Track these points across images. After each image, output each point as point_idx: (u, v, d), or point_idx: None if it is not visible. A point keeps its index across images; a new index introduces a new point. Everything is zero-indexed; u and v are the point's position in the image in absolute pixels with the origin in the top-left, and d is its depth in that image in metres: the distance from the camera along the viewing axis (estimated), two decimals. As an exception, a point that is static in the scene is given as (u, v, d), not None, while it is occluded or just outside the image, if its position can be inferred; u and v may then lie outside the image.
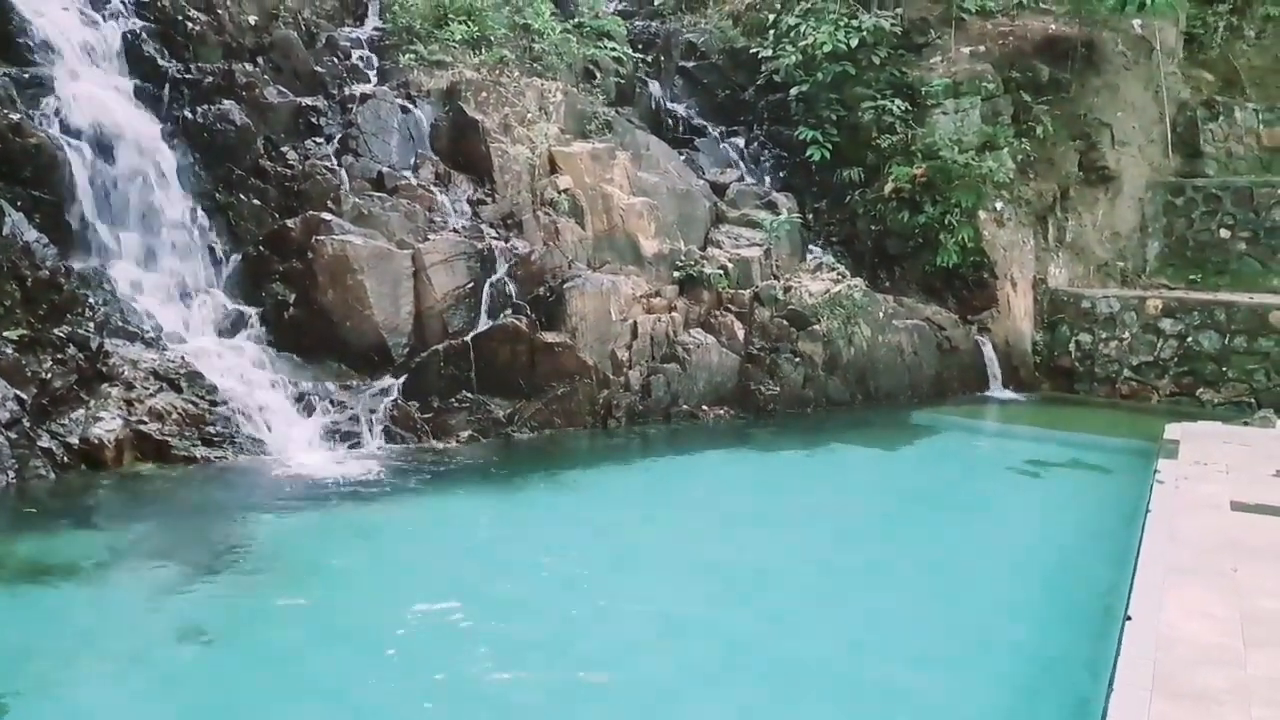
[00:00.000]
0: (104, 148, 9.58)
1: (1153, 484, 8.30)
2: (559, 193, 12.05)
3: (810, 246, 14.94)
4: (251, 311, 10.06)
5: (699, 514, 8.64)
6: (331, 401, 9.66)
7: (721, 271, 12.81)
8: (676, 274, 12.61)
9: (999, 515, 8.99)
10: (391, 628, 5.79)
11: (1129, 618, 5.33)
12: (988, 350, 14.85)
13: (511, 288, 11.09)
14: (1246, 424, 11.88)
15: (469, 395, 10.46)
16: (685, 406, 11.86)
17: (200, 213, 10.17)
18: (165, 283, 9.75)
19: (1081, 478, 10.25)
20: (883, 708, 5.10)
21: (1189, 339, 14.25)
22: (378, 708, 4.80)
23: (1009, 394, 14.66)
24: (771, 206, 14.42)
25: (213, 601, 6.03)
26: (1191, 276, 15.66)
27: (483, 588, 6.52)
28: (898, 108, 14.76)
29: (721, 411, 12.11)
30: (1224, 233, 15.80)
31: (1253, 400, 13.48)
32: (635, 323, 11.69)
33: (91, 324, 8.57)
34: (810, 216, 15.13)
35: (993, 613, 6.42)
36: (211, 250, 10.17)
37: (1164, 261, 16.20)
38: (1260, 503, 7.73)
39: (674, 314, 12.23)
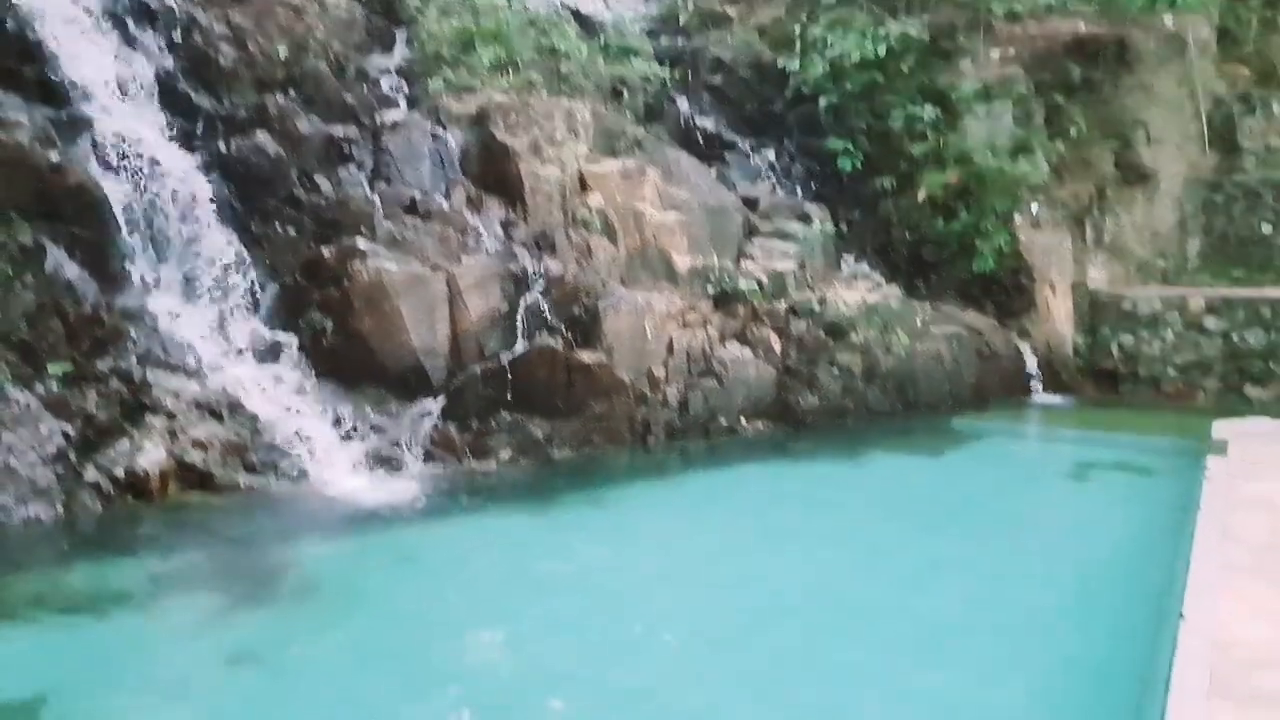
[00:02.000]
0: (141, 184, 9.77)
1: (1202, 483, 8.14)
2: (590, 212, 12.10)
3: (844, 257, 14.86)
4: (290, 340, 10.17)
5: (741, 528, 8.59)
6: (371, 426, 9.74)
7: (756, 285, 12.77)
8: (711, 289, 12.58)
9: (1045, 520, 8.85)
10: (436, 650, 5.81)
11: (1182, 617, 5.22)
12: (1028, 355, 14.66)
13: (546, 308, 11.14)
14: (1297, 421, 11.63)
15: (507, 416, 10.49)
16: (723, 421, 11.81)
17: (237, 244, 10.32)
18: (204, 314, 9.89)
19: (1128, 480, 10.07)
20: (931, 715, 5.01)
21: (1234, 336, 13.98)
22: (423, 728, 4.81)
23: (1051, 398, 14.45)
24: (804, 218, 14.37)
25: (259, 628, 6.09)
26: (1235, 273, 15.38)
27: (526, 608, 6.52)
28: (929, 114, 14.66)
29: (760, 425, 12.05)
30: (1266, 228, 15.53)
31: (1302, 396, 13.21)
32: (671, 339, 11.68)
33: (134, 357, 8.72)
34: (844, 227, 15.05)
35: (1041, 618, 6.31)
36: (249, 281, 10.31)
37: (1205, 259, 15.94)
38: (1316, 500, 7.56)
39: (709, 329, 12.20)
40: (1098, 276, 15.46)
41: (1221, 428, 10.60)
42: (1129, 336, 14.73)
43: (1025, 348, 14.67)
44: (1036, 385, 14.57)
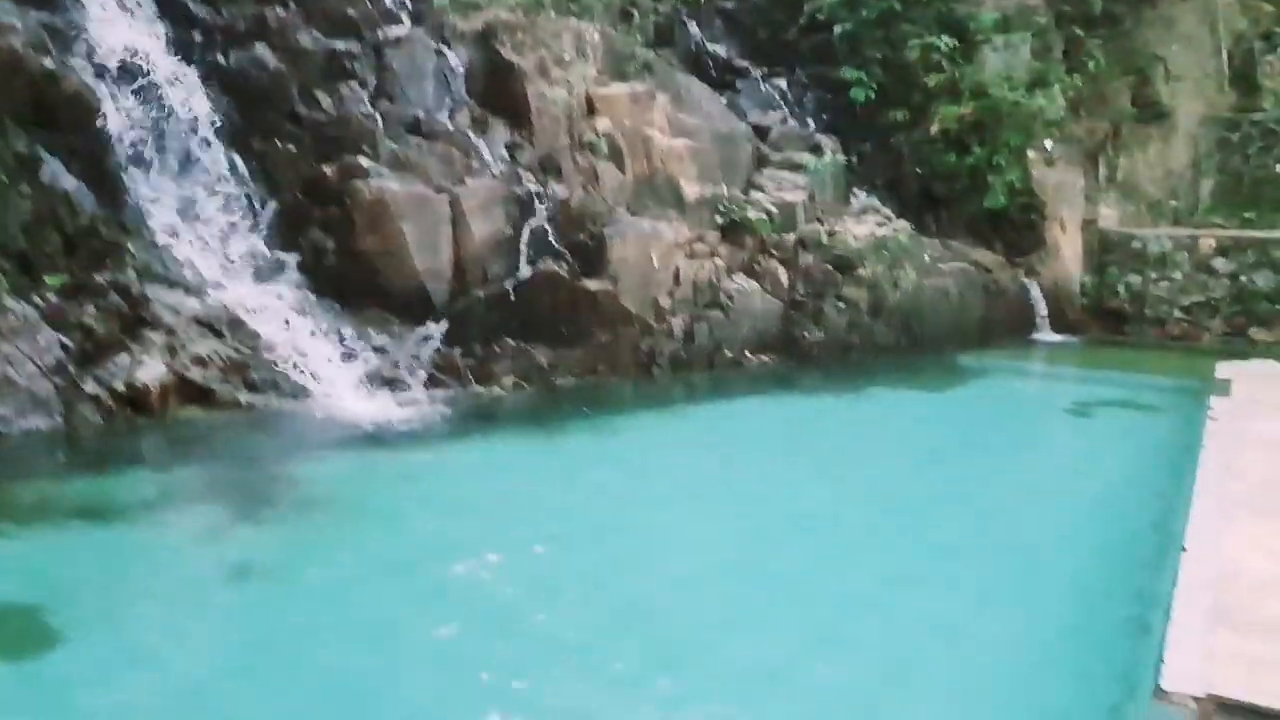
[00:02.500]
0: (139, 94, 9.54)
1: (1206, 421, 8.12)
2: (598, 136, 11.87)
3: (854, 190, 14.66)
4: (290, 259, 10.04)
5: (744, 457, 8.57)
6: (374, 348, 9.66)
7: (765, 216, 12.61)
8: (719, 219, 12.41)
9: (1048, 454, 8.85)
10: (440, 567, 5.79)
11: (1185, 549, 5.21)
12: (1035, 293, 14.58)
13: (551, 233, 10.99)
14: (1302, 363, 11.59)
15: (511, 342, 10.42)
16: (729, 353, 11.74)
17: (236, 159, 10.13)
18: (203, 230, 9.75)
19: (1132, 417, 10.05)
20: (934, 639, 5.03)
21: (1243, 278, 13.90)
22: (428, 642, 4.82)
23: (1057, 337, 14.41)
24: (815, 149, 14.14)
25: (262, 541, 6.08)
26: (1246, 214, 15.21)
27: (528, 528, 6.52)
28: (945, 45, 14.33)
29: (765, 358, 11.99)
30: (1280, 168, 15.31)
31: (1306, 338, 13.17)
32: (677, 269, 11.56)
33: (132, 271, 8.60)
34: (854, 159, 14.82)
35: (1043, 548, 6.32)
36: (248, 197, 10.13)
37: (1217, 200, 15.75)
38: (1320, 439, 7.53)
39: (717, 260, 12.07)
40: (1108, 215, 15.30)
41: (1225, 368, 10.58)
42: (1137, 276, 14.63)
43: (1033, 286, 14.57)
44: (1042, 324, 14.51)
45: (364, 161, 10.23)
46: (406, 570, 5.69)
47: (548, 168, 11.51)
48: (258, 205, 10.23)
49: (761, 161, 13.88)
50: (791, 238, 12.63)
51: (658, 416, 9.80)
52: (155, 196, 9.59)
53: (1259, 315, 13.68)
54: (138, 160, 9.55)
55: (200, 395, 8.34)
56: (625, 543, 6.28)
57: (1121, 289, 14.67)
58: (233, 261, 9.78)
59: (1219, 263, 14.03)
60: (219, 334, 8.73)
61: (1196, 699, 3.61)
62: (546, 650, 4.76)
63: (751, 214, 12.47)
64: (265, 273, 9.92)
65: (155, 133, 9.70)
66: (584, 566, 5.83)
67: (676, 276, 11.51)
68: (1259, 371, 10.56)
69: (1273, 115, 15.49)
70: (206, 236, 9.77)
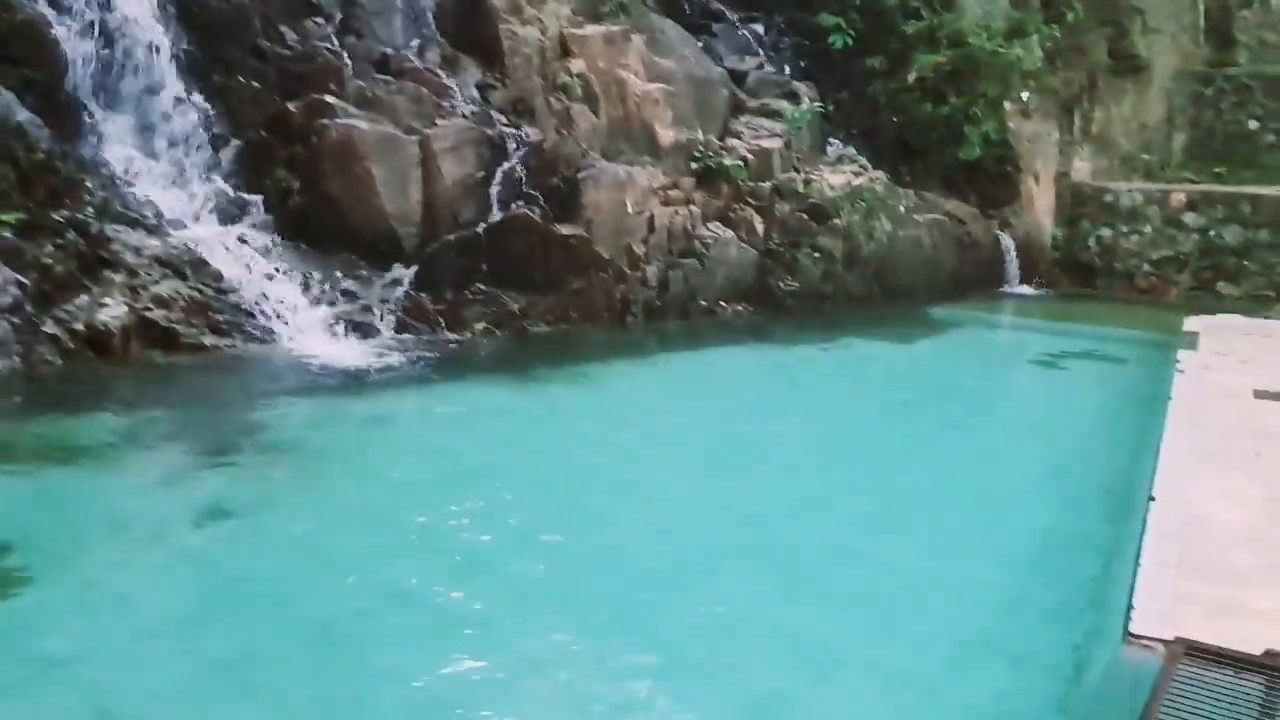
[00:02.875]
0: (95, 26, 9.19)
1: (1174, 374, 8.20)
2: (571, 78, 11.63)
3: (830, 139, 14.52)
4: (254, 199, 9.80)
5: (718, 406, 8.56)
6: (342, 291, 9.49)
7: (741, 163, 12.46)
8: (694, 165, 12.25)
9: (1018, 404, 8.92)
10: (412, 511, 5.74)
11: (1153, 498, 5.27)
12: (1008, 245, 14.61)
13: (524, 177, 10.80)
14: (1266, 316, 11.74)
15: (482, 288, 10.28)
16: (703, 302, 11.67)
17: (197, 95, 9.83)
18: (164, 168, 9.48)
19: (1101, 369, 10.14)
20: (903, 584, 5.06)
21: (1211, 233, 13.99)
22: (400, 587, 4.77)
23: (1027, 290, 14.48)
24: (792, 96, 13.96)
25: (231, 484, 5.98)
26: (1217, 169, 15.29)
27: (501, 474, 6.47)
28: (924, -10, 14.15)
29: (740, 307, 11.94)
30: (1253, 124, 15.37)
31: (1272, 293, 13.32)
32: (652, 215, 11.42)
33: (91, 209, 8.34)
34: (831, 107, 14.66)
35: (1013, 495, 6.38)
36: (210, 134, 9.85)
37: (1190, 154, 15.80)
38: (1283, 391, 7.64)
39: (692, 207, 11.94)
40: (1082, 168, 15.31)
41: (1193, 322, 10.69)
42: (1108, 230, 14.69)
43: (1005, 238, 14.59)
44: (1014, 276, 14.57)
45: (330, 99, 9.96)
46: (376, 516, 5.63)
47: (520, 109, 11.29)
48: (220, 143, 9.96)
49: (738, 108, 13.69)
50: (767, 186, 12.51)
51: (631, 365, 9.74)
52: (114, 132, 9.30)
53: (1226, 270, 13.81)
54: (95, 94, 9.24)
55: (163, 337, 8.16)
56: (598, 490, 6.25)
57: (1092, 242, 14.73)
58: (195, 201, 9.54)
59: (1189, 217, 14.11)
60: (182, 275, 8.53)
61: (1165, 642, 3.66)
62: (520, 597, 4.74)
63: (727, 161, 12.33)
64: (229, 213, 9.69)
65: (113, 66, 9.37)
66: (556, 514, 5.80)
67: (651, 223, 11.39)
68: (1226, 325, 10.68)
69: (1246, 70, 15.51)
70: (167, 174, 9.51)
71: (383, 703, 3.85)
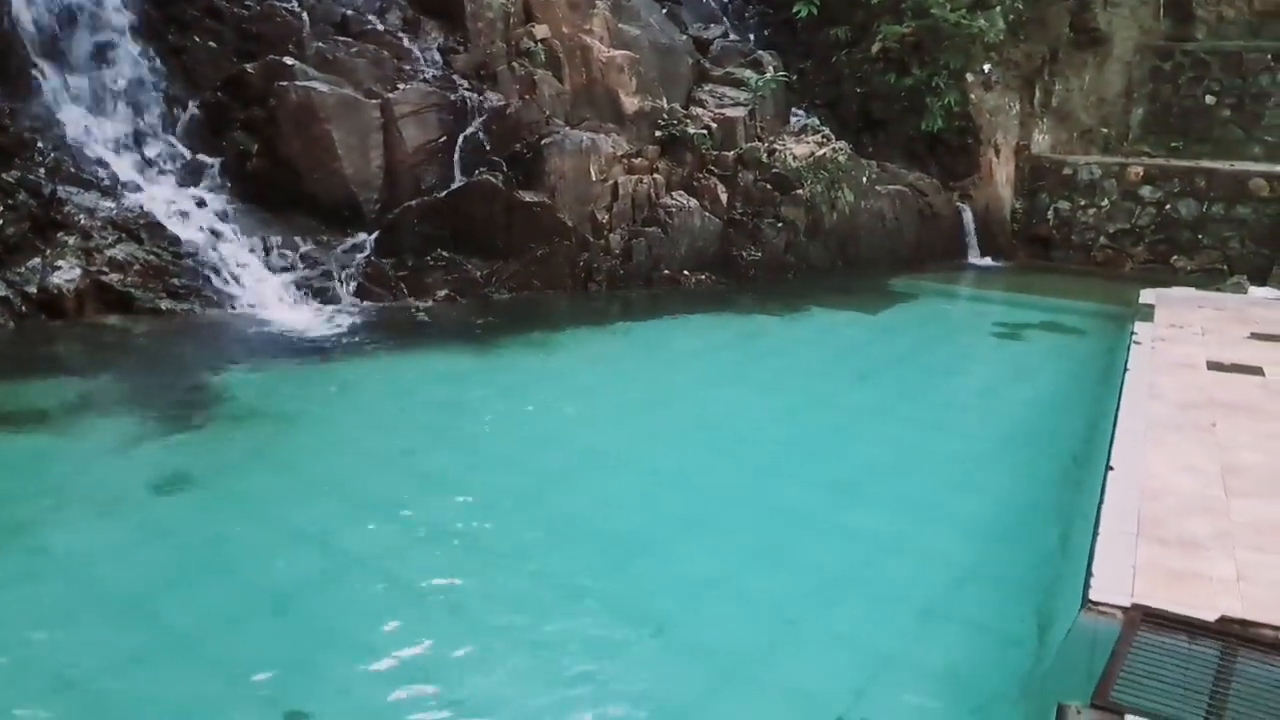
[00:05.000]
0: (46, -21, 8.92)
1: (1130, 345, 8.33)
2: (535, 43, 11.49)
3: (794, 109, 14.51)
4: (211, 161, 9.61)
5: (681, 375, 8.57)
6: (301, 256, 9.37)
7: (705, 132, 12.42)
8: (658, 133, 12.19)
9: (977, 374, 9.02)
10: (374, 477, 5.71)
11: (1111, 468, 5.36)
12: (968, 218, 14.72)
13: (486, 143, 10.68)
14: (1220, 289, 11.95)
15: (445, 254, 10.18)
16: (666, 271, 11.65)
17: (152, 55, 9.57)
18: (118, 129, 9.25)
19: (1058, 340, 10.28)
20: (865, 552, 5.12)
21: (1167, 206, 14.19)
22: (361, 554, 4.74)
23: (987, 262, 14.61)
24: (756, 65, 13.91)
25: (190, 450, 5.89)
26: (1174, 143, 15.47)
27: (463, 442, 6.45)
28: (888, -40, 14.11)
29: (703, 276, 11.93)
30: (1209, 99, 15.55)
31: (1224, 266, 13.55)
32: (616, 183, 11.36)
33: (43, 170, 8.14)
34: (795, 77, 14.63)
35: (972, 464, 6.45)
36: (166, 96, 9.62)
37: (1147, 128, 15.96)
38: (1236, 362, 7.79)
39: (656, 175, 11.88)
40: (1041, 141, 15.43)
41: (1149, 294, 10.85)
42: (1066, 203, 14.85)
43: (966, 211, 14.70)
44: (974, 248, 14.69)
45: (289, 61, 9.75)
46: (337, 483, 5.58)
47: (483, 74, 11.13)
48: (175, 104, 9.71)
49: (702, 76, 13.63)
50: (731, 155, 12.48)
51: (595, 333, 9.70)
52: (65, 92, 9.04)
53: (1181, 244, 14.03)
54: (47, 54, 8.96)
55: (119, 301, 8.01)
56: (562, 457, 6.24)
57: (1051, 215, 14.88)
58: (150, 163, 9.32)
59: (1145, 191, 14.29)
60: (137, 238, 8.35)
61: (1123, 609, 3.73)
62: (483, 565, 4.73)
63: (692, 129, 12.27)
64: (185, 175, 9.49)
65: (66, 25, 9.09)
66: (520, 480, 5.78)
67: (615, 191, 11.32)
68: (1181, 298, 10.85)
69: (1204, 45, 15.66)
70: (121, 136, 9.28)
71: (341, 671, 3.83)
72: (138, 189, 8.93)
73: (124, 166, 9.01)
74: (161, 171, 9.33)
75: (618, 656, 4.03)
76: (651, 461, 6.29)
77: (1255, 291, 12.06)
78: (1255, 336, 8.86)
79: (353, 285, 9.45)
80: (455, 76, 10.89)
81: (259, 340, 8.11)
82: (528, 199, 10.55)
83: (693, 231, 11.89)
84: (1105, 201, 14.57)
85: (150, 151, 9.37)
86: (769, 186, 12.46)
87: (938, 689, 3.94)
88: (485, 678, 3.83)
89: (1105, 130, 15.88)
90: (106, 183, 8.65)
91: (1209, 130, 15.36)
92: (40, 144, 8.35)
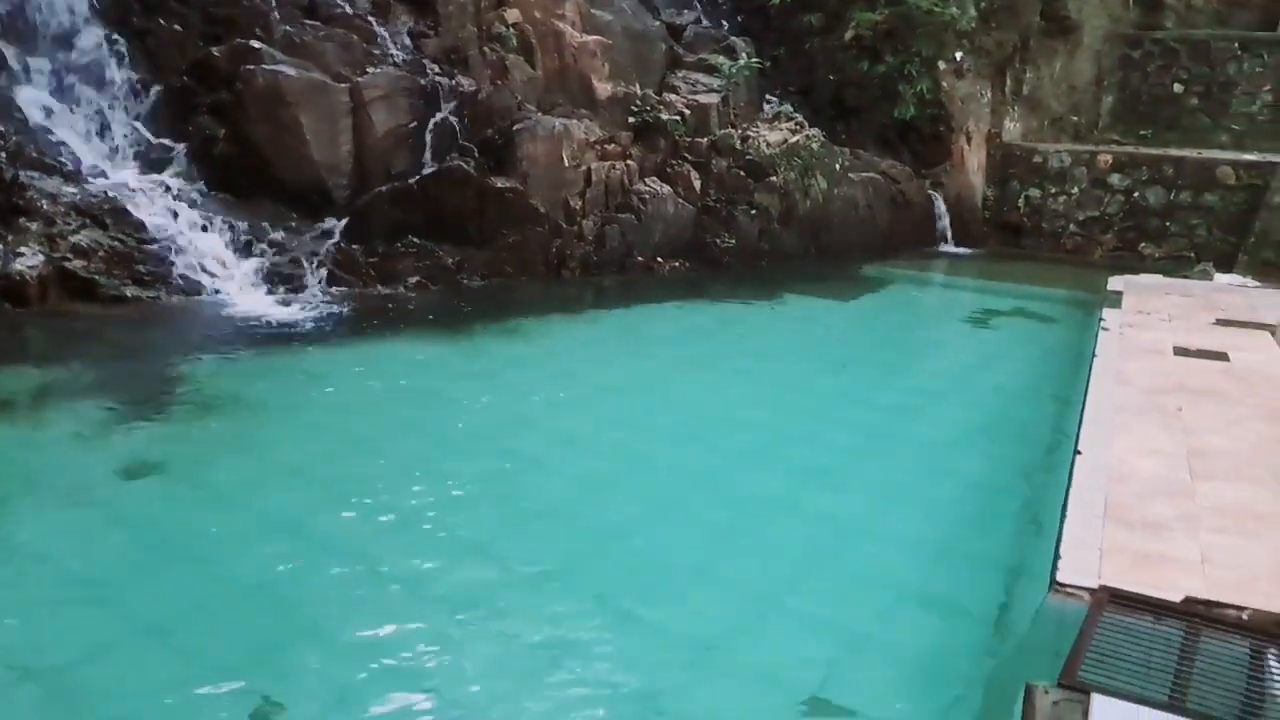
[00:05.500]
0: (6, -40, 8.74)
1: (1098, 331, 8.42)
2: (507, 28, 11.40)
3: (768, 95, 14.50)
4: (177, 147, 9.47)
5: (654, 361, 8.56)
6: (270, 243, 9.26)
7: (678, 118, 12.38)
8: (631, 120, 12.13)
9: (949, 360, 9.07)
10: (344, 464, 5.67)
11: (1079, 452, 5.42)
12: (940, 205, 14.79)
13: (458, 128, 10.60)
14: (1186, 276, 12.10)
15: (416, 241, 10.09)
16: (640, 258, 11.63)
17: (116, 38, 9.41)
18: (81, 113, 9.09)
19: (1029, 327, 10.36)
20: (838, 533, 5.15)
21: (1136, 194, 14.33)
22: (333, 541, 4.70)
23: (958, 249, 14.70)
24: (729, 51, 13.88)
25: (159, 439, 5.82)
26: (1142, 131, 15.64)
27: (436, 428, 6.41)
28: (861, -52, 14.12)
29: (676, 263, 11.92)
30: (1178, 87, 15.72)
31: (1192, 254, 13.71)
32: (589, 170, 11.30)
33: (3, 154, 7.98)
34: (768, 64, 14.62)
35: (944, 449, 6.50)
36: (130, 79, 9.46)
37: (1117, 116, 16.12)
38: (1202, 348, 7.90)
39: (629, 162, 11.83)
40: (1012, 129, 15.52)
41: (1117, 281, 10.97)
42: (1037, 191, 14.96)
43: (938, 198, 14.77)
44: (945, 236, 14.77)
45: (256, 45, 9.63)
46: (307, 472, 5.53)
47: (454, 59, 11.04)
48: (140, 88, 9.56)
49: (675, 62, 13.58)
50: (705, 142, 12.46)
51: (568, 320, 9.67)
52: (25, 74, 8.87)
53: (1149, 231, 14.17)
54: (7, 35, 8.79)
55: (84, 288, 7.88)
56: (534, 443, 6.21)
57: (1021, 203, 14.99)
58: (114, 148, 9.17)
59: (1115, 179, 14.42)
60: (101, 224, 8.22)
61: (1090, 590, 3.78)
62: (454, 551, 4.70)
63: (665, 116, 12.23)
64: (150, 161, 9.35)
65: (26, 7, 8.91)
66: (493, 467, 5.76)
67: (588, 177, 11.27)
68: (1148, 285, 10.98)
69: (1173, 34, 15.83)
70: (85, 120, 9.13)
71: (315, 657, 3.80)
72: (102, 174, 8.79)
73: (87, 151, 8.86)
74: (126, 156, 9.19)
75: (588, 640, 4.03)
76: (624, 447, 6.28)
77: (1221, 278, 12.22)
78: (1221, 323, 8.98)
79: (322, 272, 9.36)
80: (426, 61, 10.80)
81: (227, 328, 8.01)
82: (500, 185, 10.49)
83: (666, 218, 11.87)
84: (1075, 189, 14.69)
85: (114, 136, 9.22)
86: (742, 173, 12.46)
87: (908, 670, 3.96)
88: (455, 663, 3.81)
89: (1075, 118, 16.01)
90: (69, 167, 8.50)
91: (1177, 118, 15.53)
92: (2, 127, 8.18)
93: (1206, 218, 13.80)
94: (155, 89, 9.64)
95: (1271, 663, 3.27)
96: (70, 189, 8.26)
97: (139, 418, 6.08)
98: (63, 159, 8.53)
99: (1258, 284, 11.93)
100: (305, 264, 9.30)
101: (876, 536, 5.15)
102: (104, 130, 9.18)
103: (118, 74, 9.41)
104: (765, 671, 3.91)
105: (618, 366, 8.30)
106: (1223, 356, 7.68)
